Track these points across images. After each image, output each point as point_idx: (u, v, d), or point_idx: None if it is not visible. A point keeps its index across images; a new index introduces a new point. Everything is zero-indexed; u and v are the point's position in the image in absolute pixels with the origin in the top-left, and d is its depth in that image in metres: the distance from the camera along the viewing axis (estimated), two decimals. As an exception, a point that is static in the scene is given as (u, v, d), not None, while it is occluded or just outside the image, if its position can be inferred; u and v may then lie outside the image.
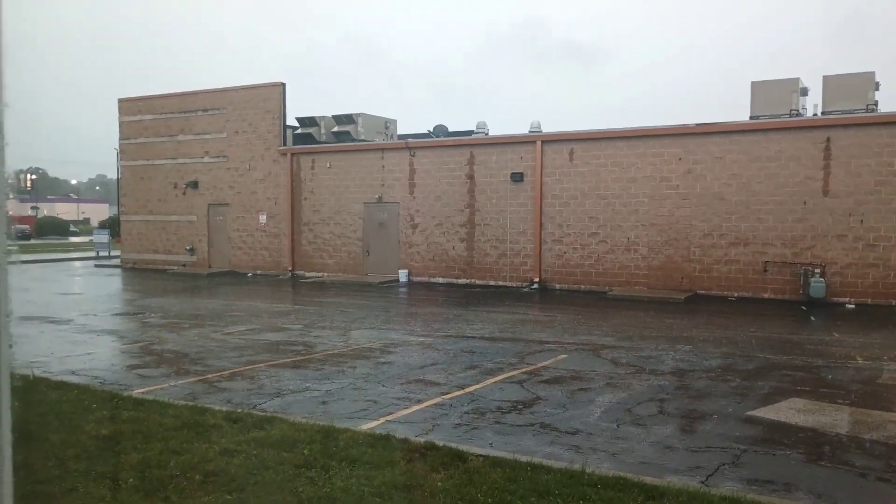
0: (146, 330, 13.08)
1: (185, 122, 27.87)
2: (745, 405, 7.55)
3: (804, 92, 18.69)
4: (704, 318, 14.80)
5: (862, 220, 16.78)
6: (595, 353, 10.65)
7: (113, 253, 35.49)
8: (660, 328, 13.26)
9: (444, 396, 7.87)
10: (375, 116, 25.80)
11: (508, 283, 21.16)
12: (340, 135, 24.95)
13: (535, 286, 20.55)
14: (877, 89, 17.53)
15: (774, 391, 8.21)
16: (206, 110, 27.26)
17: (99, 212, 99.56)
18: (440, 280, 22.33)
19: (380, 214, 23.69)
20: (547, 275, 20.67)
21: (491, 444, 6.13)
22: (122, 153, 30.22)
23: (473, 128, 23.95)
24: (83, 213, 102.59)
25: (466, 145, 22.14)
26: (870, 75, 17.62)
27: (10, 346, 1.62)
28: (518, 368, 9.47)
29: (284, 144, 25.59)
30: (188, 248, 27.93)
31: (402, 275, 22.69)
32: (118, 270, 28.61)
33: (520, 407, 7.44)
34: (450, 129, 25.56)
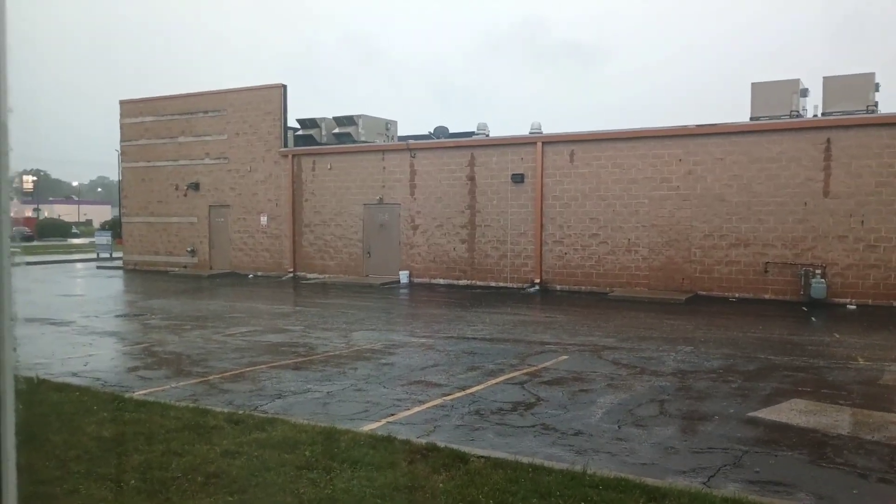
0: (147, 331, 13.09)
1: (186, 124, 27.89)
2: (747, 406, 7.55)
3: (804, 93, 18.70)
4: (705, 319, 14.80)
5: (863, 222, 16.78)
6: (596, 355, 10.65)
7: (114, 254, 35.51)
8: (661, 329, 13.26)
9: (445, 398, 7.88)
10: (376, 118, 25.82)
11: (509, 285, 21.17)
12: (341, 136, 24.97)
13: (536, 287, 20.55)
14: (877, 90, 17.53)
15: (776, 392, 8.21)
16: (206, 112, 27.29)
17: (100, 213, 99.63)
18: (441, 281, 22.34)
19: (381, 216, 23.70)
20: (548, 276, 20.67)
21: (492, 445, 6.13)
22: (124, 155, 30.24)
23: (474, 129, 23.97)
24: (84, 214, 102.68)
25: (467, 146, 22.15)
26: (870, 76, 17.63)
27: (15, 349, 1.63)
28: (519, 370, 9.47)
29: (285, 146, 25.61)
30: (189, 249, 27.95)
31: (403, 276, 22.70)
32: (119, 272, 28.63)
33: (521, 408, 7.45)
34: (450, 131, 25.56)
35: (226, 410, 6.99)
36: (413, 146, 23.18)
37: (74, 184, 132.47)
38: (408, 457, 5.53)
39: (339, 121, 25.27)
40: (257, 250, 26.31)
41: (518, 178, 20.96)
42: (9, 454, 1.61)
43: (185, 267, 27.90)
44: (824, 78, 18.00)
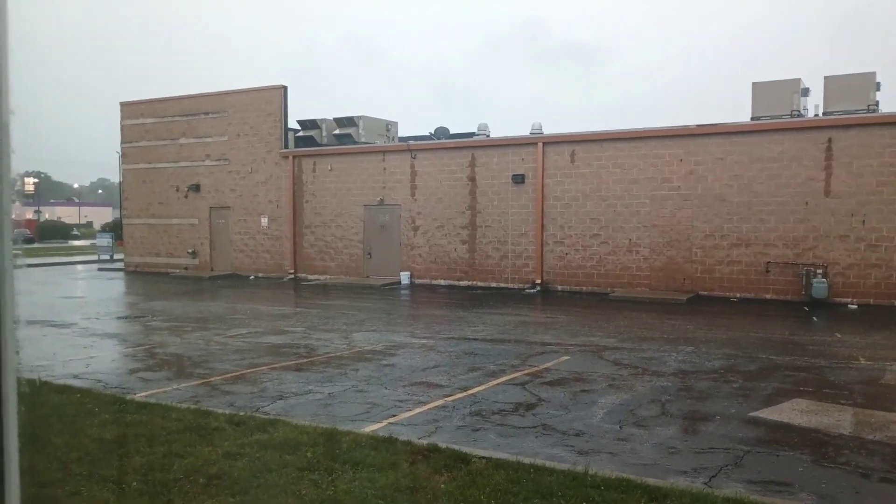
0: (149, 333, 13.10)
1: (186, 126, 27.91)
2: (748, 406, 7.54)
3: (805, 92, 18.70)
4: (706, 319, 14.79)
5: (864, 221, 16.77)
6: (597, 355, 10.65)
7: (115, 256, 35.54)
8: (662, 329, 13.26)
9: (446, 398, 7.88)
10: (376, 119, 25.84)
11: (510, 285, 21.16)
12: (342, 137, 24.99)
13: (537, 288, 20.55)
14: (878, 89, 17.53)
15: (777, 392, 8.21)
16: (207, 113, 27.30)
17: (101, 215, 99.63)
18: (442, 282, 22.34)
19: (381, 217, 23.71)
20: (549, 276, 20.67)
21: (494, 446, 6.13)
22: (124, 156, 30.27)
23: (474, 129, 23.96)
24: (85, 216, 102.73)
25: (467, 147, 22.15)
26: (871, 75, 17.62)
27: (17, 352, 1.62)
28: (520, 370, 9.47)
29: (286, 147, 25.62)
30: (190, 251, 27.96)
31: (404, 277, 22.70)
32: (120, 274, 28.65)
33: (522, 409, 7.44)
34: (451, 131, 25.56)
35: (227, 412, 6.99)
36: (414, 147, 23.18)
37: (75, 185, 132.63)
38: (409, 458, 5.53)
39: (340, 122, 25.28)
40: (258, 252, 26.32)
41: (519, 179, 20.96)
42: (11, 456, 1.61)
43: (185, 268, 27.91)
44: (825, 77, 18.00)
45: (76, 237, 71.39)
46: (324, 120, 25.70)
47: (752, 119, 18.66)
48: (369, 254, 23.94)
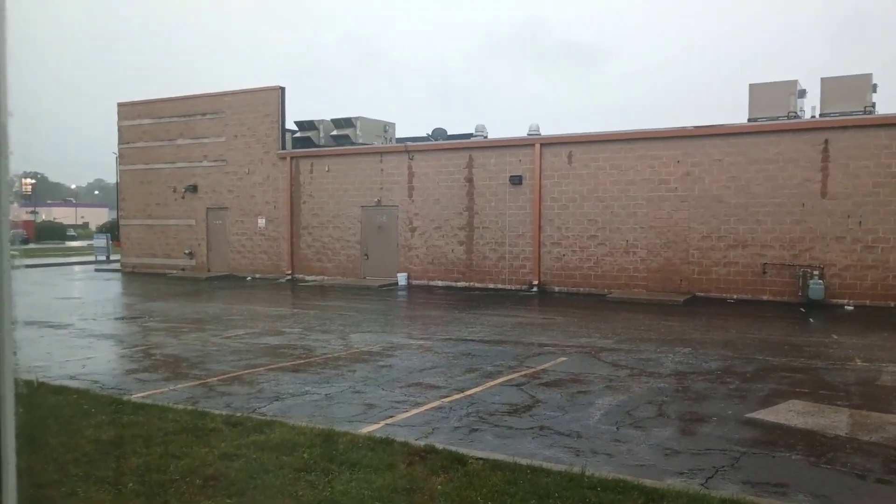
0: (145, 334, 13.08)
1: (184, 126, 27.88)
2: (745, 407, 7.56)
3: (802, 94, 18.74)
4: (703, 320, 14.81)
5: (860, 222, 16.81)
6: (594, 356, 10.66)
7: (112, 257, 35.49)
8: (659, 330, 13.27)
9: (443, 400, 7.88)
10: (374, 120, 25.85)
11: (507, 286, 21.17)
12: (339, 138, 24.99)
13: (534, 289, 20.56)
14: (874, 91, 17.57)
15: (773, 393, 8.23)
16: (205, 114, 27.29)
17: (98, 216, 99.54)
18: (439, 283, 22.34)
19: (379, 218, 23.71)
20: (546, 277, 20.68)
21: (491, 447, 6.13)
22: (122, 157, 30.24)
23: (472, 130, 23.99)
24: (82, 217, 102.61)
25: (465, 148, 22.17)
26: (867, 77, 17.67)
27: (15, 353, 1.63)
28: (517, 371, 9.47)
29: (283, 148, 25.62)
30: (187, 251, 27.93)
31: (401, 278, 22.70)
32: (117, 274, 28.61)
33: (519, 410, 7.45)
34: (449, 132, 25.57)
35: (224, 413, 6.99)
36: (411, 148, 23.19)
37: (72, 186, 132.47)
38: (406, 459, 5.54)
39: (337, 123, 25.29)
40: (255, 252, 26.31)
41: (516, 180, 20.98)
42: (9, 457, 1.62)
43: (182, 269, 27.88)
44: (822, 79, 18.05)
45: (73, 238, 71.29)
46: (321, 121, 25.71)
47: (750, 120, 18.69)
48: (366, 255, 23.93)
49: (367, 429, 6.61)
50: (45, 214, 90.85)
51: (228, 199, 26.83)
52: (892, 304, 16.39)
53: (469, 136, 23.86)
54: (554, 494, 4.78)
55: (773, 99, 18.47)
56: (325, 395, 8.13)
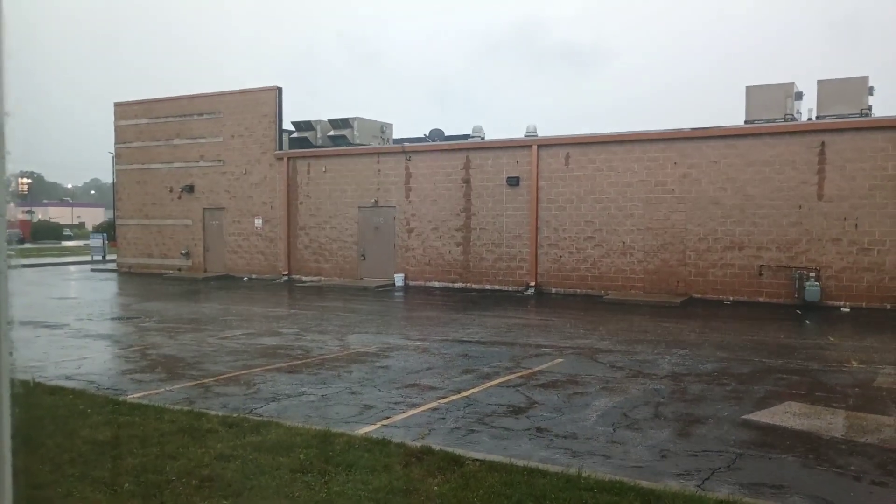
0: (142, 334, 13.06)
1: (181, 126, 27.85)
2: (741, 409, 7.57)
3: (799, 96, 18.78)
4: (700, 321, 14.83)
5: (856, 224, 16.84)
6: (591, 357, 10.66)
7: (108, 257, 35.42)
8: (655, 332, 13.29)
9: (440, 401, 7.88)
10: (371, 120, 25.85)
11: (504, 287, 21.18)
12: (336, 139, 24.98)
13: (531, 290, 20.57)
14: (871, 94, 17.62)
15: (770, 395, 8.24)
16: (201, 114, 27.26)
17: (94, 216, 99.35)
18: (436, 284, 22.34)
19: (376, 218, 23.70)
20: (543, 279, 20.69)
21: (487, 448, 6.13)
22: (118, 157, 30.18)
23: (469, 131, 24.00)
24: (78, 216, 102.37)
25: (462, 149, 22.17)
26: (864, 80, 17.72)
27: (11, 354, 1.62)
28: (514, 372, 9.47)
29: (280, 148, 25.60)
30: (184, 252, 27.90)
31: (399, 279, 22.69)
32: (114, 275, 28.56)
33: (516, 411, 7.45)
34: (446, 133, 25.60)
35: (220, 413, 6.97)
36: (408, 149, 23.19)
37: (68, 186, 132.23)
38: (403, 460, 5.53)
39: (335, 123, 25.27)
40: (252, 253, 26.28)
41: (513, 181, 20.99)
42: (5, 458, 1.61)
43: (179, 270, 27.84)
44: (818, 81, 18.09)
45: (69, 238, 71.14)
46: (318, 121, 25.69)
47: (746, 122, 18.73)
48: (363, 255, 23.92)
49: (363, 430, 6.60)
50: (42, 214, 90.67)
51: (225, 199, 26.80)
52: (888, 307, 16.43)
53: (466, 137, 23.88)
54: (551, 496, 4.78)
55: (769, 101, 18.51)
56: (322, 395, 8.12)
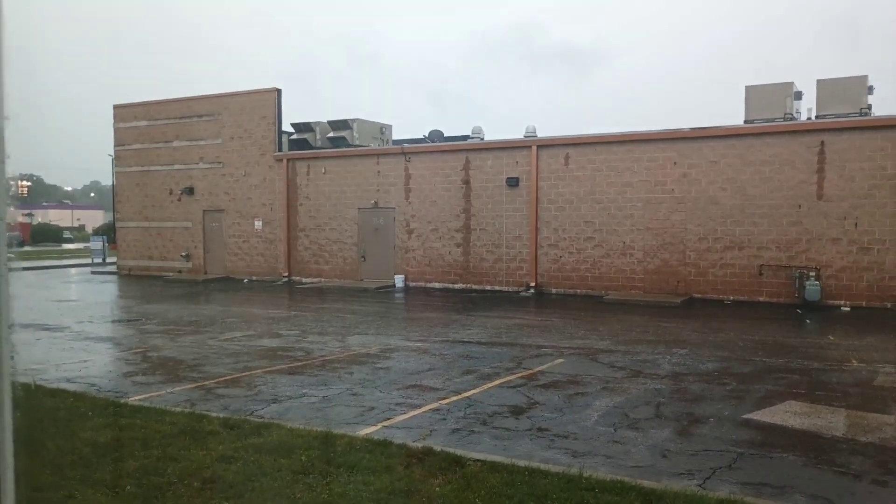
0: (142, 337, 13.06)
1: (180, 128, 27.85)
2: (742, 408, 7.57)
3: (798, 96, 18.79)
4: (700, 321, 14.84)
5: (856, 224, 16.85)
6: (591, 358, 10.67)
7: (108, 259, 35.42)
8: (656, 332, 13.29)
9: (441, 401, 7.88)
10: (371, 121, 25.85)
11: (505, 288, 21.18)
12: (336, 140, 24.98)
13: (532, 291, 20.57)
14: (870, 93, 17.63)
15: (770, 394, 8.24)
16: (201, 116, 27.26)
17: (93, 218, 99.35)
18: (436, 285, 22.34)
19: (376, 220, 23.70)
20: (543, 279, 20.70)
21: (489, 448, 6.13)
22: (118, 159, 30.18)
23: (469, 132, 24.00)
24: (78, 219, 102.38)
25: (462, 150, 22.18)
26: (863, 79, 17.72)
27: (12, 357, 1.63)
28: (515, 373, 9.48)
29: (280, 150, 25.60)
30: (184, 254, 27.90)
31: (399, 280, 22.69)
32: (114, 277, 28.56)
33: (517, 411, 7.45)
34: (445, 134, 25.61)
35: (221, 415, 6.98)
36: (408, 150, 23.19)
37: (68, 189, 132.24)
38: (404, 461, 5.53)
39: (334, 125, 25.28)
40: (252, 255, 26.28)
41: (513, 182, 20.99)
42: (7, 461, 1.61)
43: (179, 272, 27.84)
44: (818, 81, 18.09)
45: (69, 240, 71.15)
46: (318, 123, 25.69)
47: (746, 122, 18.73)
48: (363, 257, 23.93)
49: (364, 431, 6.60)
50: (41, 217, 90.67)
51: (225, 201, 26.81)
52: (889, 306, 16.44)
53: (466, 137, 23.89)
54: (552, 496, 4.78)
55: (769, 101, 18.52)
56: (323, 397, 8.13)
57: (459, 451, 5.81)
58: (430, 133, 25.71)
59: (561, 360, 10.41)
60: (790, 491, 5.17)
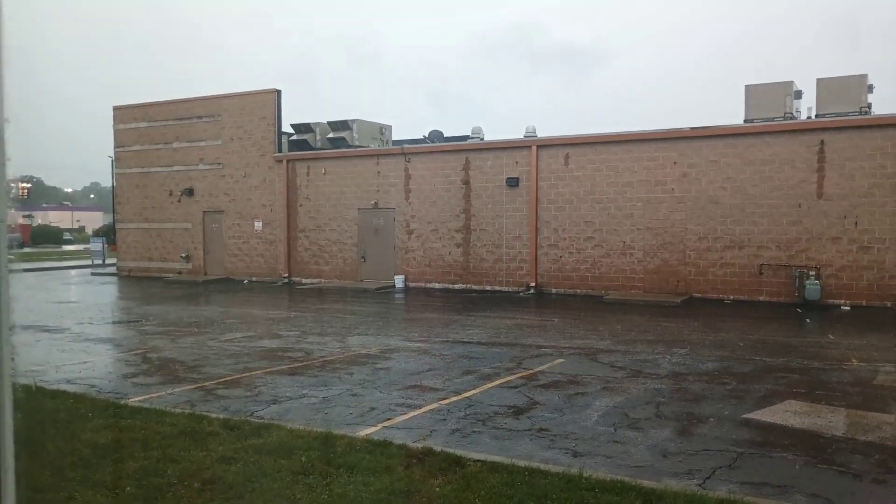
0: (142, 338, 13.06)
1: (180, 130, 27.86)
2: (742, 408, 7.57)
3: (798, 95, 18.79)
4: (700, 321, 14.83)
5: (856, 223, 16.85)
6: (592, 357, 10.67)
7: (108, 261, 35.43)
8: (656, 331, 13.29)
9: (441, 402, 7.88)
10: (370, 122, 25.86)
11: (505, 288, 21.18)
12: (336, 141, 24.99)
13: (532, 291, 20.58)
14: (870, 92, 17.62)
15: (770, 394, 8.24)
16: (201, 117, 27.27)
17: (93, 220, 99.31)
18: (436, 285, 22.34)
19: (375, 220, 23.71)
20: (543, 279, 20.70)
21: (489, 449, 6.14)
22: (117, 161, 30.19)
23: (469, 132, 24.00)
24: (78, 220, 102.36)
25: (462, 150, 22.18)
26: (863, 78, 17.72)
27: (13, 358, 1.63)
28: (515, 373, 9.48)
29: (280, 151, 25.61)
30: (184, 255, 27.90)
31: (399, 280, 22.69)
32: (114, 278, 28.57)
33: (517, 412, 7.45)
34: (445, 135, 25.61)
35: (221, 416, 6.98)
36: (408, 150, 23.20)
37: (68, 190, 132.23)
38: (404, 461, 5.54)
39: (334, 125, 25.28)
40: (252, 256, 26.29)
41: (513, 182, 21.00)
42: (7, 462, 1.62)
43: (179, 273, 27.85)
44: (818, 80, 18.09)
45: (69, 242, 71.16)
46: (318, 123, 25.69)
47: (746, 122, 18.74)
48: (363, 257, 23.93)
49: (364, 431, 6.60)
50: (41, 218, 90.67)
51: (225, 202, 26.81)
52: (889, 305, 16.44)
53: (465, 138, 23.88)
54: (552, 496, 4.78)
55: (769, 100, 18.52)
56: (323, 398, 8.13)
57: (459, 452, 5.81)
58: (430, 133, 25.71)
59: (561, 360, 10.41)
60: (790, 490, 5.17)
